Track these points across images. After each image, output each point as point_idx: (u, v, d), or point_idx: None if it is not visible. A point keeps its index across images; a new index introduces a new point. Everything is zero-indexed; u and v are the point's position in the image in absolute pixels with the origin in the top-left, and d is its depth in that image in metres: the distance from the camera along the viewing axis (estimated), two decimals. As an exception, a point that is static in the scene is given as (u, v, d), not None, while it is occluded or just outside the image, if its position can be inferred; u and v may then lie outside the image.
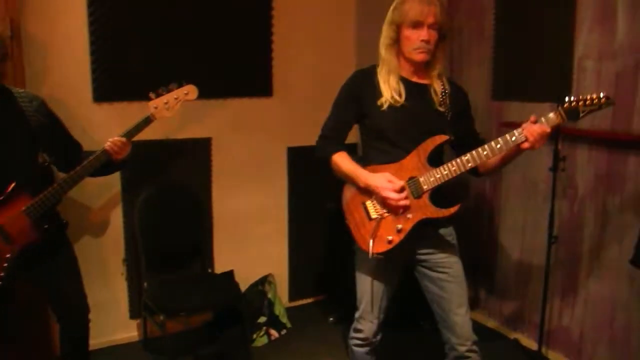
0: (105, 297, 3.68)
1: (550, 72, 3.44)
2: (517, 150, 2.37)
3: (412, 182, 2.43)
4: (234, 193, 4.03)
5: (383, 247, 2.46)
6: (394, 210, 2.43)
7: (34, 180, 2.66)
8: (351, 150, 2.66)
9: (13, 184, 2.59)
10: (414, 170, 2.44)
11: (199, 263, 3.85)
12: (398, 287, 2.69)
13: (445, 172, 2.39)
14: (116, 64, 3.50)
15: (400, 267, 2.64)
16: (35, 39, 3.27)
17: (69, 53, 3.39)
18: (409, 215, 2.43)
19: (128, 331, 3.83)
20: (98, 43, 3.43)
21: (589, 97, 2.26)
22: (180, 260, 3.82)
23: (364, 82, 2.56)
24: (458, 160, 2.38)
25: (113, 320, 3.76)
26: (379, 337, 2.70)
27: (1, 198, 2.58)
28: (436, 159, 2.46)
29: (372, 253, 2.45)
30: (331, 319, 4.17)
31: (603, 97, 2.25)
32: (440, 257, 2.57)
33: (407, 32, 2.44)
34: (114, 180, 3.59)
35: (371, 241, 2.46)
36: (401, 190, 2.40)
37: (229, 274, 3.85)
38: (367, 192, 2.48)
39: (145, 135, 2.90)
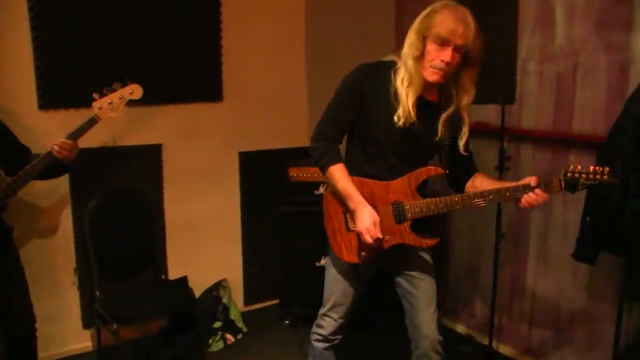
0: (56, 307, 3.62)
1: (495, 75, 3.52)
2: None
3: (397, 206, 2.42)
4: (186, 199, 4.00)
5: (355, 259, 2.48)
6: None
7: None
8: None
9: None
10: (401, 195, 2.42)
11: (152, 270, 3.81)
12: (366, 289, 2.71)
13: (432, 208, 2.38)
14: (61, 71, 3.44)
15: (372, 274, 2.66)
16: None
17: (13, 60, 3.33)
18: (387, 237, 2.41)
19: (81, 341, 3.77)
20: (42, 49, 3.36)
21: (592, 169, 2.23)
22: (133, 268, 3.78)
23: (373, 78, 2.40)
24: (448, 199, 2.37)
25: (65, 330, 3.69)
26: (339, 337, 2.73)
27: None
28: (421, 185, 2.44)
29: (346, 261, 2.49)
30: (287, 322, 4.19)
31: (606, 173, 2.22)
32: (413, 267, 2.58)
33: (430, 47, 2.25)
34: (62, 188, 3.54)
35: (345, 250, 2.49)
36: (380, 239, 2.36)
37: (183, 280, 3.83)
38: None
39: (96, 142, 2.88)
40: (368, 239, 2.34)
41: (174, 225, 4.00)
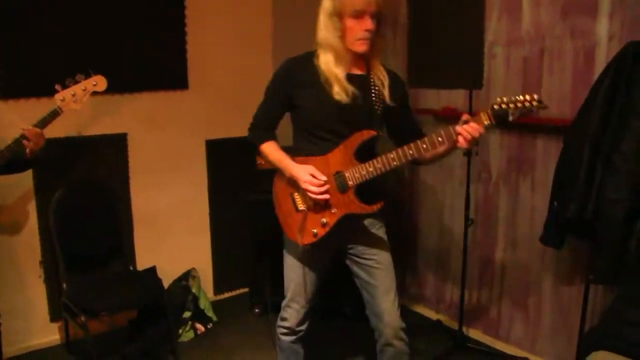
0: (22, 301, 3.55)
1: (463, 59, 3.52)
2: (449, 148, 2.37)
3: (338, 176, 2.43)
4: (153, 188, 3.95)
5: (309, 239, 2.48)
6: (315, 203, 2.44)
7: None
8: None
9: None
10: (340, 165, 2.43)
11: (120, 261, 3.77)
12: (327, 276, 2.70)
13: (371, 169, 2.38)
14: (22, 59, 3.36)
15: (329, 256, 2.65)
16: None
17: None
18: (334, 210, 2.44)
19: (49, 335, 3.71)
20: (1, 37, 3.28)
21: (520, 98, 2.19)
22: (100, 259, 3.73)
23: (297, 72, 2.49)
24: (384, 157, 2.37)
25: (31, 324, 3.63)
26: (304, 327, 2.71)
27: None
28: (367, 154, 2.43)
29: (301, 244, 2.47)
30: (257, 310, 4.17)
31: (535, 99, 2.18)
32: (367, 246, 2.59)
33: (350, 23, 2.34)
34: (25, 180, 3.46)
35: (298, 232, 2.48)
36: (324, 184, 2.39)
37: (151, 271, 3.79)
38: (296, 183, 2.46)
39: (58, 132, 2.81)
40: (313, 189, 2.38)
41: (141, 215, 3.95)
